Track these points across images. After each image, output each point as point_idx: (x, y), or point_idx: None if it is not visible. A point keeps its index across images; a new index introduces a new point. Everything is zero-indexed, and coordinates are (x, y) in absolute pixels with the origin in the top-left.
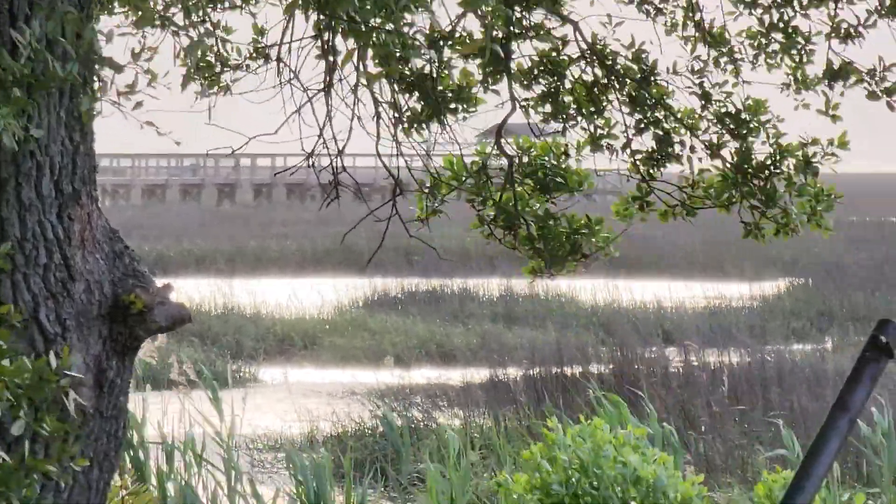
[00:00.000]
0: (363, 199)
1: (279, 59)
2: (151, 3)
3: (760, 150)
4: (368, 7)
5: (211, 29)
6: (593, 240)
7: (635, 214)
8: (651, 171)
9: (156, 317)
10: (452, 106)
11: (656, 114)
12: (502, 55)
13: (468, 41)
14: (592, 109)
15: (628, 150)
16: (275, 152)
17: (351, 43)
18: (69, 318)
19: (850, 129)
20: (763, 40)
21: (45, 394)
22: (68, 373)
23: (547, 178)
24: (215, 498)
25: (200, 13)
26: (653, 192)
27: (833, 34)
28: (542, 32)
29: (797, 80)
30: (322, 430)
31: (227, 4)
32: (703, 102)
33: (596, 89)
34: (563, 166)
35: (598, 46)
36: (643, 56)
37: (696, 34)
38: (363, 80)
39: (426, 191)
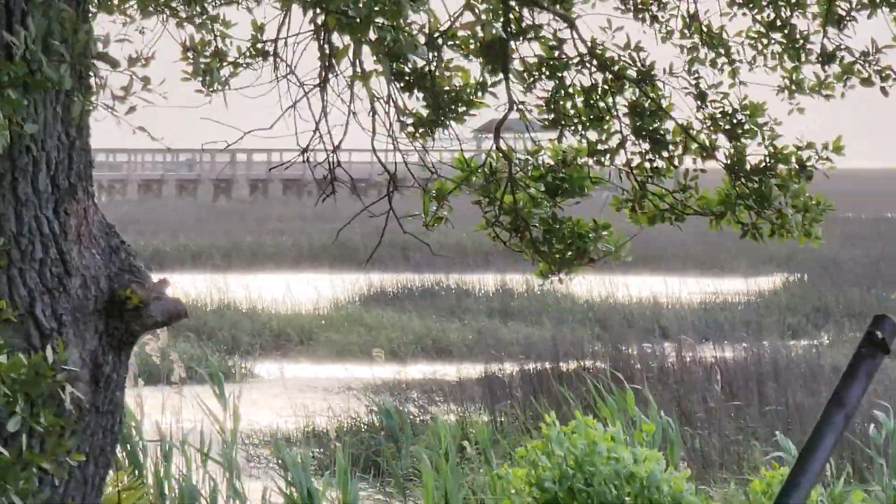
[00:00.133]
0: (358, 195)
1: (275, 54)
2: None
3: (756, 152)
4: (367, 1)
5: (209, 24)
6: (600, 244)
7: (630, 215)
8: (644, 178)
9: (152, 312)
10: (453, 107)
11: (654, 123)
12: (503, 35)
13: (470, 41)
14: (591, 116)
15: (622, 152)
16: (271, 148)
17: (346, 38)
18: (65, 313)
19: (851, 131)
20: (763, 41)
21: (42, 389)
22: (65, 367)
23: (555, 182)
24: (214, 494)
25: (199, 8)
26: (646, 196)
27: (827, 22)
28: (539, 35)
29: (793, 82)
30: (318, 425)
31: None
32: (698, 103)
33: (594, 94)
34: (574, 172)
35: (598, 51)
36: (640, 55)
37: (692, 43)
38: (358, 78)
39: (433, 197)
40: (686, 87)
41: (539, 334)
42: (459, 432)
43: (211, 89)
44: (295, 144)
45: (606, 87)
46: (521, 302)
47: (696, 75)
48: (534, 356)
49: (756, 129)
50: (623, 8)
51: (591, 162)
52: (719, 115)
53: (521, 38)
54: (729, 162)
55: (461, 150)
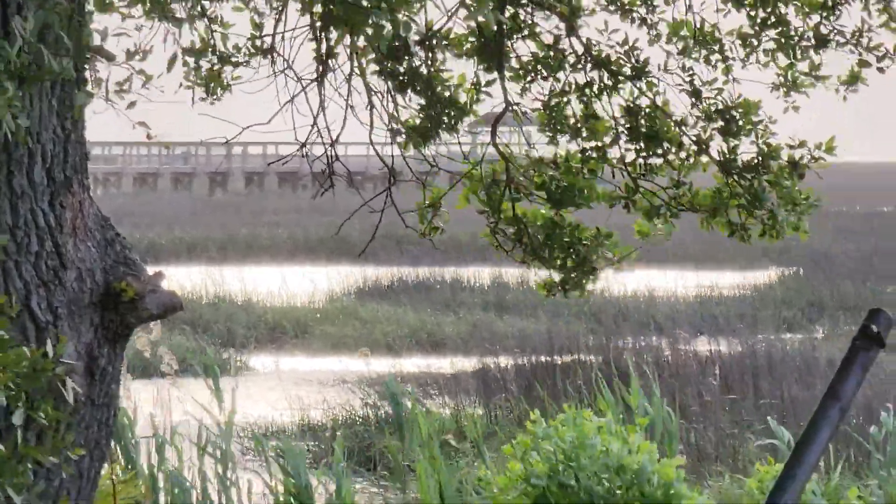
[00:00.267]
0: (357, 189)
1: (273, 50)
2: None
3: (748, 150)
4: None
5: (208, 23)
6: (602, 252)
7: (625, 214)
8: (637, 175)
9: (147, 304)
10: (447, 111)
11: (650, 122)
12: (502, 20)
13: (464, 41)
14: (587, 115)
15: (616, 147)
16: (266, 141)
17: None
18: (61, 306)
19: (852, 131)
20: (755, 41)
21: (41, 383)
22: (61, 360)
23: (556, 191)
24: (205, 487)
25: (199, 7)
26: (638, 192)
27: (821, 10)
28: (535, 32)
29: (787, 79)
30: (313, 418)
31: None
32: (692, 100)
33: (589, 90)
34: (578, 182)
35: (595, 52)
36: (635, 52)
37: (683, 44)
38: (357, 70)
39: (426, 207)
40: (680, 84)
41: (534, 328)
42: (442, 426)
43: (214, 96)
44: (291, 138)
45: (602, 84)
46: (516, 295)
47: (691, 72)
48: (529, 349)
49: (750, 126)
50: (611, 9)
51: (585, 170)
52: (713, 112)
53: (514, 37)
54: (721, 159)
55: (459, 142)
